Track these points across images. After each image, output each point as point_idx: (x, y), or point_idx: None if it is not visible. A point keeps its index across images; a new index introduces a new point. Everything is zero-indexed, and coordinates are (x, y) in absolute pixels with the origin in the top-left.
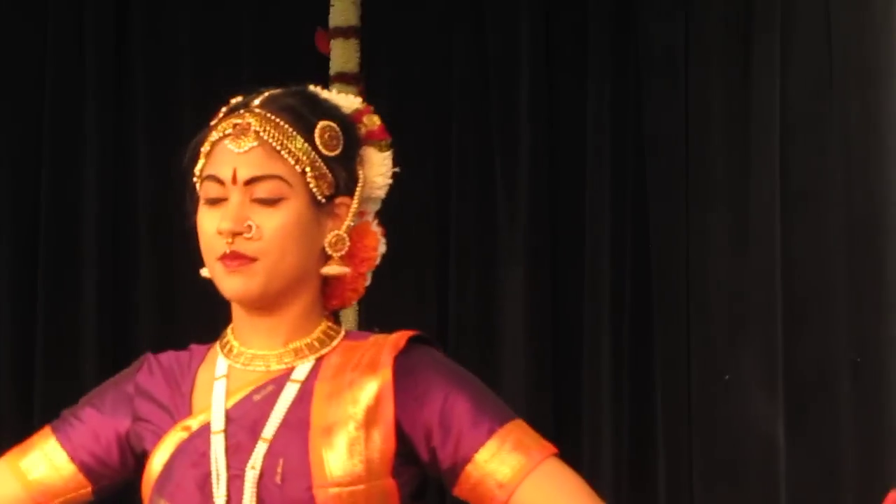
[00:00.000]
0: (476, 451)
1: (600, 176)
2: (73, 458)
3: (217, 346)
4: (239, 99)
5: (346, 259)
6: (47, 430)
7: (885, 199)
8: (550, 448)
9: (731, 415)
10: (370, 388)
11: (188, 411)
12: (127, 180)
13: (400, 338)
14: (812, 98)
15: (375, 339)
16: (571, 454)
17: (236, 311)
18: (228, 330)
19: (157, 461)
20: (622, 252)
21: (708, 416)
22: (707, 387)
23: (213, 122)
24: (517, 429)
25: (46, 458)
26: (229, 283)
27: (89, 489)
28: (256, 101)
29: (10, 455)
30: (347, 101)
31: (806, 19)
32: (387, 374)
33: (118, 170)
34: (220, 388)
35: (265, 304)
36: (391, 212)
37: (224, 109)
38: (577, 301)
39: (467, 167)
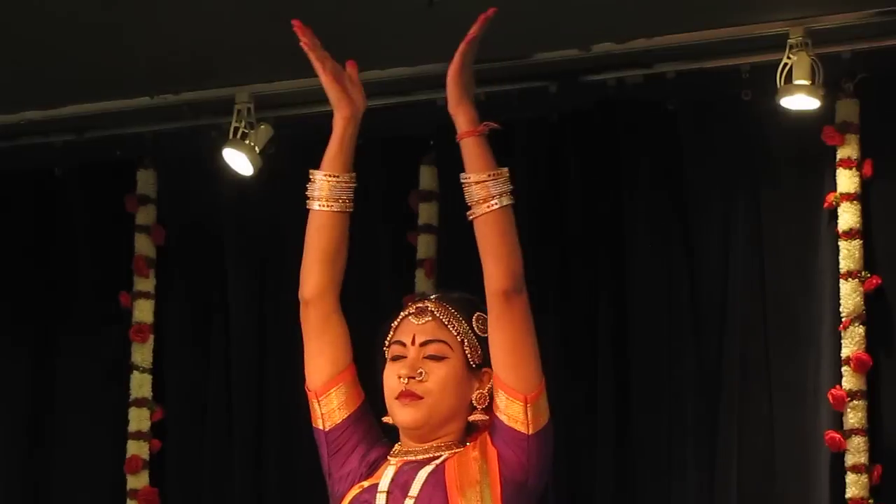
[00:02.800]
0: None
1: None
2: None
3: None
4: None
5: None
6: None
7: None
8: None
9: None
10: (483, 460)
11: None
12: None
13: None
14: None
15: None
16: None
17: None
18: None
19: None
20: None
21: None
22: None
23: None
24: None
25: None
26: (402, 414)
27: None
28: (433, 295)
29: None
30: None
31: None
32: (493, 451)
33: None
34: (390, 469)
35: (425, 433)
36: None
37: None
38: None
39: None
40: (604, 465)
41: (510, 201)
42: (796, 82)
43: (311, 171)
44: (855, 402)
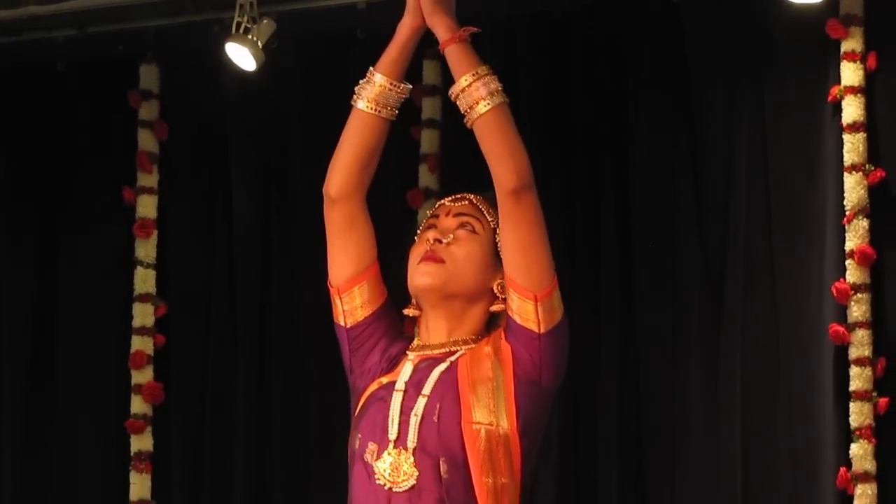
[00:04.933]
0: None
1: None
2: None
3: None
4: None
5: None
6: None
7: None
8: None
9: None
10: (497, 359)
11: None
12: None
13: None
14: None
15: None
16: None
17: (422, 316)
18: (416, 336)
19: (359, 405)
20: None
21: None
22: None
23: None
24: None
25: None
26: (420, 275)
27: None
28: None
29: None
30: None
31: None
32: (506, 347)
33: None
34: (407, 367)
35: (439, 300)
36: None
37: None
38: None
39: None
40: (608, 363)
41: (503, 99)
42: None
43: (371, 68)
44: (859, 295)
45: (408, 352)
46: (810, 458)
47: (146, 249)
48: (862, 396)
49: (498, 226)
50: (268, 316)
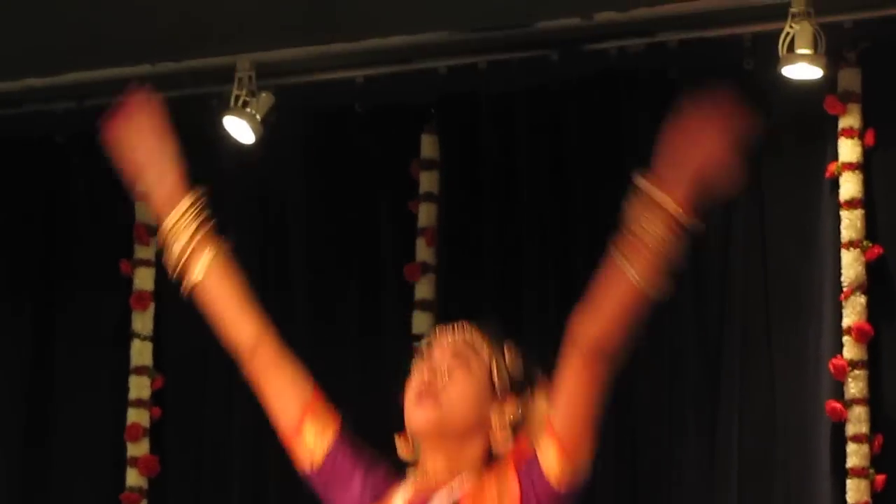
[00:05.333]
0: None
1: None
2: (329, 450)
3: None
4: None
5: None
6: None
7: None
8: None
9: None
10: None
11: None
12: None
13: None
14: None
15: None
16: None
17: (421, 453)
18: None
19: None
20: None
21: None
22: None
23: None
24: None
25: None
26: (416, 415)
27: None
28: (469, 325)
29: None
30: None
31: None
32: (514, 487)
33: None
34: (401, 493)
35: (436, 442)
36: None
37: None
38: None
39: None
40: (604, 432)
41: (641, 284)
42: (798, 51)
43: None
44: (856, 371)
45: (400, 487)
46: None
47: (143, 322)
48: (859, 473)
49: (494, 358)
50: None
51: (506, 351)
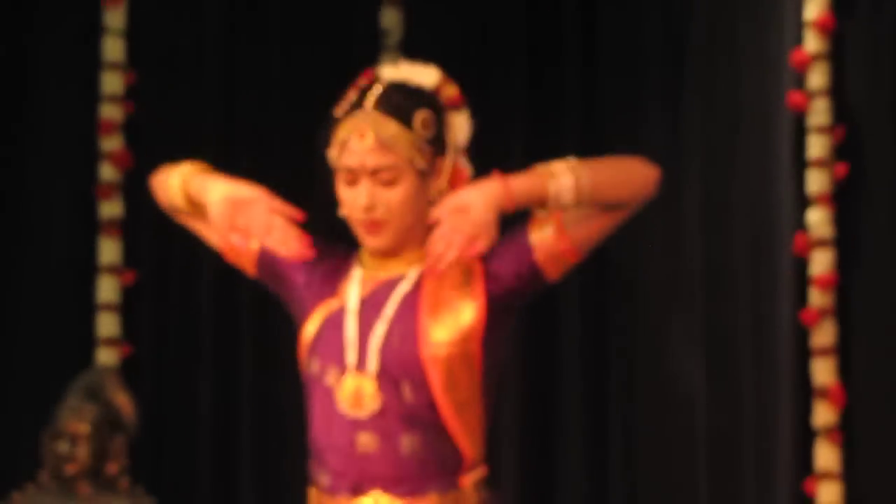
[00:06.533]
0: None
1: None
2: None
3: (355, 257)
4: (354, 94)
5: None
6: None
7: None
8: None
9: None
10: (465, 277)
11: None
12: None
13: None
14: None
15: None
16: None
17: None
18: (361, 251)
19: (311, 328)
20: None
21: None
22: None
23: (338, 115)
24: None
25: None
26: (370, 241)
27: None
28: (371, 102)
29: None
30: (428, 76)
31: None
32: (477, 265)
33: None
34: (355, 287)
35: (397, 250)
36: None
37: (346, 105)
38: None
39: None
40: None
41: (572, 179)
42: None
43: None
44: (818, 63)
45: (353, 270)
46: (767, 225)
47: (115, 18)
48: (820, 164)
49: (412, 149)
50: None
51: (420, 125)
